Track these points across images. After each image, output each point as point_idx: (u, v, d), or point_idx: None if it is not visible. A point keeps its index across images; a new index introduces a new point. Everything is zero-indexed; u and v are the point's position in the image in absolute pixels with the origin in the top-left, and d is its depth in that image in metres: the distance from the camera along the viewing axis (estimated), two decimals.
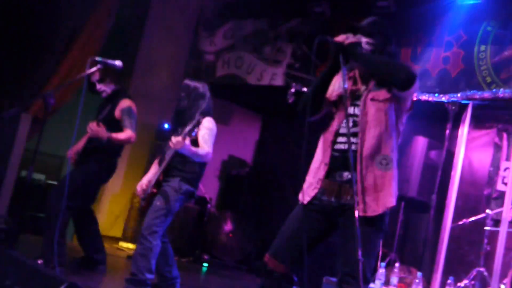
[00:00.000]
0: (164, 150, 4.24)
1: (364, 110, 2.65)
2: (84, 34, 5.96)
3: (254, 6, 6.96)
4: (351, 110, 2.71)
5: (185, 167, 4.14)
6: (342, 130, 2.68)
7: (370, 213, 2.55)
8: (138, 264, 3.96)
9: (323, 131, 2.78)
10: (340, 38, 2.67)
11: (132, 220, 6.80)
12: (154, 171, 4.32)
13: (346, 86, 2.65)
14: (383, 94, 2.66)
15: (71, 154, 4.66)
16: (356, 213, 2.41)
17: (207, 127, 4.12)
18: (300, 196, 2.76)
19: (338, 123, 2.72)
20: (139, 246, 4.00)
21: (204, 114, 4.15)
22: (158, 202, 4.07)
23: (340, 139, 2.68)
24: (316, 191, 2.70)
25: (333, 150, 2.68)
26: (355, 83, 2.79)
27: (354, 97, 2.74)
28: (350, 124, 2.66)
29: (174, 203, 4.08)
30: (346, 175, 2.60)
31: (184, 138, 3.79)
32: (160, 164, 4.22)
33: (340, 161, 2.63)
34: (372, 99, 2.66)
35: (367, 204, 2.55)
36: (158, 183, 4.18)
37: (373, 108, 2.64)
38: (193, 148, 3.95)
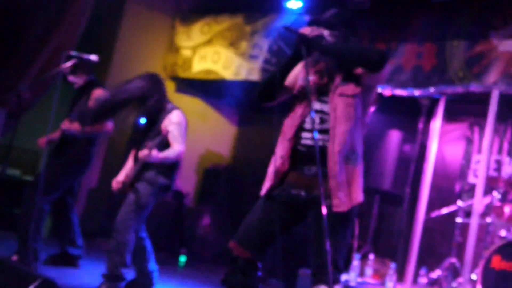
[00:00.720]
0: (138, 144, 4.21)
1: (333, 106, 2.66)
2: (60, 28, 5.89)
3: (231, 1, 6.97)
4: (318, 106, 2.72)
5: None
6: (308, 126, 2.68)
7: (343, 208, 2.59)
8: (113, 260, 3.94)
9: (283, 123, 2.79)
10: (305, 30, 2.67)
11: (110, 215, 6.77)
12: (130, 165, 4.29)
13: (309, 78, 2.63)
14: (351, 89, 2.67)
15: (43, 142, 4.60)
16: (324, 209, 2.42)
17: (175, 122, 4.08)
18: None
19: (300, 117, 2.72)
20: (113, 241, 3.97)
21: (170, 110, 4.13)
22: (132, 196, 4.05)
23: (306, 134, 2.69)
24: (271, 182, 2.74)
25: (299, 145, 2.70)
26: (321, 77, 2.78)
27: (320, 92, 2.74)
28: (318, 120, 2.68)
29: (148, 197, 4.05)
30: (315, 169, 2.59)
31: (150, 150, 3.83)
32: (135, 160, 4.20)
33: (307, 156, 2.64)
34: (341, 95, 2.67)
35: (340, 200, 2.59)
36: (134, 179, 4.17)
37: (342, 104, 2.65)
38: (162, 155, 3.95)
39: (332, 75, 2.75)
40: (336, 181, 2.59)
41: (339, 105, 2.65)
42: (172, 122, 4.07)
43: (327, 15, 2.83)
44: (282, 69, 2.78)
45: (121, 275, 3.96)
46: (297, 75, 2.84)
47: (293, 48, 2.70)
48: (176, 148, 4.05)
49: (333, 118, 2.64)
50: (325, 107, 2.69)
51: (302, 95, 2.76)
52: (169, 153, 4.02)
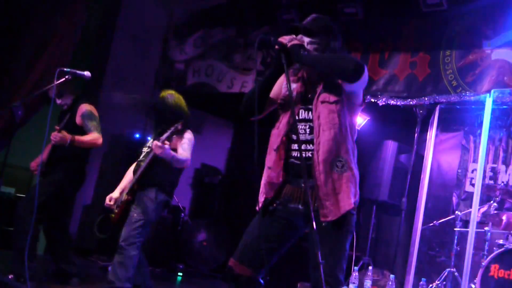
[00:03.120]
0: (139, 159, 4.24)
1: (316, 114, 2.61)
2: (52, 45, 5.89)
3: (223, 14, 6.98)
4: (305, 114, 2.68)
5: (162, 177, 4.16)
6: (296, 137, 2.63)
7: (332, 217, 2.53)
8: (117, 272, 3.95)
9: (270, 134, 2.76)
10: (284, 39, 2.63)
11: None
12: (128, 179, 4.29)
13: (291, 88, 2.58)
14: (333, 95, 2.62)
15: (34, 166, 4.60)
16: (314, 222, 2.34)
17: (187, 138, 4.23)
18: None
19: (286, 127, 2.68)
20: (118, 255, 3.99)
21: (186, 126, 4.22)
22: (135, 213, 4.06)
23: (295, 146, 2.65)
24: (266, 196, 2.69)
25: (291, 157, 2.66)
26: (303, 84, 2.75)
27: (305, 100, 2.70)
28: (307, 130, 2.64)
29: (151, 214, 4.09)
30: (311, 182, 2.56)
31: (163, 143, 3.87)
32: (135, 172, 4.21)
33: (299, 168, 2.58)
34: (323, 102, 2.62)
35: (328, 209, 2.53)
36: (133, 191, 4.16)
37: (325, 111, 2.60)
38: (173, 153, 4.01)
39: (314, 83, 2.71)
40: (322, 190, 2.54)
41: (322, 112, 2.60)
42: (185, 137, 4.22)
43: (307, 21, 2.79)
44: (265, 81, 2.74)
45: None
46: (281, 84, 2.80)
47: (274, 58, 2.68)
48: (185, 154, 4.12)
49: (317, 125, 2.59)
50: (311, 115, 2.65)
51: (286, 104, 2.72)
52: (179, 155, 4.08)
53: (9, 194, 6.05)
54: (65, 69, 4.16)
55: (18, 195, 6.10)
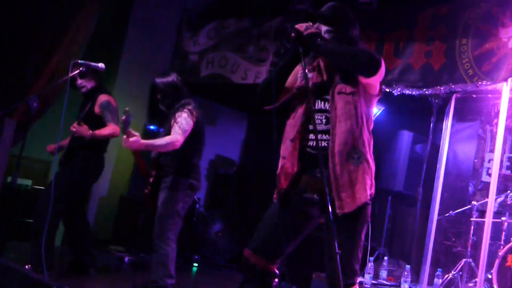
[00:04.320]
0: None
1: (333, 105, 2.58)
2: (67, 36, 5.92)
3: (237, 5, 6.96)
4: (321, 105, 2.65)
5: (173, 161, 4.13)
6: (312, 127, 2.60)
7: (348, 209, 2.52)
8: (158, 272, 4.00)
9: (286, 123, 2.73)
10: (300, 27, 2.59)
11: (121, 222, 6.79)
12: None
13: (308, 76, 2.56)
14: (350, 86, 2.59)
15: (52, 148, 4.62)
16: (331, 212, 2.34)
17: (181, 117, 4.07)
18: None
19: (302, 117, 2.66)
20: (155, 254, 4.04)
21: (185, 104, 4.15)
22: (161, 208, 4.08)
23: (311, 136, 2.63)
24: (282, 186, 2.67)
25: (307, 147, 2.64)
26: (319, 73, 2.72)
27: (321, 90, 2.67)
28: (324, 120, 2.62)
29: (176, 204, 4.07)
30: (326, 172, 2.53)
31: (128, 135, 3.76)
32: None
33: (317, 159, 2.54)
34: (340, 92, 2.59)
35: (344, 201, 2.52)
36: (155, 183, 4.17)
37: (341, 102, 2.57)
38: (146, 142, 3.90)
39: (331, 73, 2.68)
40: (338, 182, 2.52)
41: (338, 103, 2.57)
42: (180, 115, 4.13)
43: (324, 9, 2.76)
44: (281, 70, 2.72)
45: (167, 286, 4.01)
46: (296, 74, 2.78)
47: (290, 47, 2.65)
48: (170, 136, 4.00)
49: (333, 117, 2.57)
50: (328, 106, 2.63)
51: (302, 95, 2.69)
52: (155, 141, 3.99)
53: (26, 186, 6.11)
54: (79, 61, 4.19)
55: (35, 187, 6.16)
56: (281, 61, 2.73)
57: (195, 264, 6.69)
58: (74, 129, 4.40)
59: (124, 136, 3.79)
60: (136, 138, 3.79)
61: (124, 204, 6.89)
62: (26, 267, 4.27)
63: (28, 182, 6.17)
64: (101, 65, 4.21)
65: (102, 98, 4.64)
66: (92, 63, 4.18)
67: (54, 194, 4.10)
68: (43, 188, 5.78)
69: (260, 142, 8.19)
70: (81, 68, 4.18)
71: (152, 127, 7.06)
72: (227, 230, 7.24)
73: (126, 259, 6.08)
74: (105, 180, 6.78)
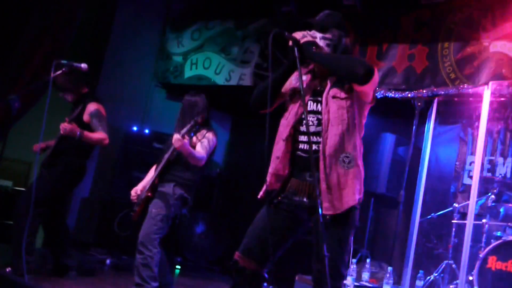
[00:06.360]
0: (161, 155, 4.27)
1: (326, 108, 2.62)
2: (49, 36, 5.86)
3: (221, 6, 6.95)
4: (313, 106, 2.69)
5: (180, 173, 4.18)
6: (304, 129, 2.65)
7: (334, 211, 2.54)
8: (142, 274, 3.97)
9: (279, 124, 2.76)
10: (297, 35, 2.63)
11: (103, 225, 6.73)
12: (150, 176, 4.32)
13: (302, 85, 2.58)
14: (344, 91, 2.64)
15: (38, 148, 4.55)
16: (320, 212, 2.39)
17: (208, 138, 4.24)
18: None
19: (294, 117, 2.70)
20: (139, 256, 4.00)
21: (208, 125, 4.31)
22: (153, 209, 4.08)
23: (303, 138, 2.67)
24: (272, 187, 2.70)
25: (298, 150, 2.68)
26: (314, 77, 2.77)
27: (314, 92, 2.72)
28: (315, 122, 2.65)
29: (169, 209, 4.09)
30: (316, 175, 2.55)
31: (183, 137, 3.90)
32: (157, 168, 4.24)
33: (307, 162, 2.57)
34: (334, 97, 2.64)
35: (331, 203, 2.55)
36: (153, 187, 4.17)
37: (334, 106, 2.61)
38: (190, 148, 4.02)
39: (325, 76, 2.73)
40: (326, 184, 2.55)
41: (332, 107, 2.62)
42: (206, 137, 4.24)
43: (320, 17, 2.81)
44: (277, 78, 2.74)
45: None
46: (290, 77, 2.80)
47: (287, 55, 2.67)
48: (202, 152, 4.12)
49: (326, 120, 2.61)
50: (320, 107, 2.66)
51: (295, 95, 2.73)
52: (195, 152, 4.07)
53: (6, 187, 6.03)
54: (62, 61, 4.14)
55: (15, 188, 6.09)
56: (279, 69, 2.74)
57: (178, 266, 6.66)
58: (64, 127, 4.33)
59: (179, 137, 3.88)
60: (187, 141, 3.93)
61: (107, 207, 6.83)
62: (7, 270, 4.22)
63: (9, 183, 6.10)
64: (83, 65, 4.17)
65: (92, 106, 4.60)
66: (75, 63, 4.14)
67: (35, 197, 4.05)
68: (23, 189, 5.71)
69: (244, 143, 8.19)
70: (63, 69, 4.13)
71: (134, 128, 7.01)
72: (210, 232, 7.22)
73: (108, 261, 6.03)
74: (87, 182, 6.73)
